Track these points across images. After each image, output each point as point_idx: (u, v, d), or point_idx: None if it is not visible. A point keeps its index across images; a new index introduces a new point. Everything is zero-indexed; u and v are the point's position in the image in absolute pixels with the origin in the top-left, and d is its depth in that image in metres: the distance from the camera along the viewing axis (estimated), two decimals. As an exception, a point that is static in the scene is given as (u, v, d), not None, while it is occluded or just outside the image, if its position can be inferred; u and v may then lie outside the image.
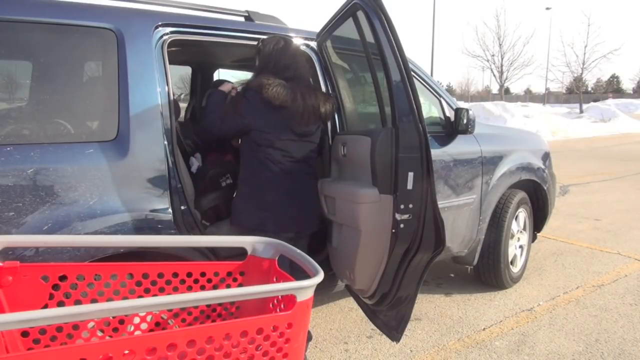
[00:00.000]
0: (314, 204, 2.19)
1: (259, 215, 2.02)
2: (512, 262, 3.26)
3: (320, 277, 1.19)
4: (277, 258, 1.47)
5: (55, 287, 1.36)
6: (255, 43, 2.13)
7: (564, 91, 47.10)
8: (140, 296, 1.39)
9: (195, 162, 2.53)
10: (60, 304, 1.35)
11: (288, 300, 1.18)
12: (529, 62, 30.17)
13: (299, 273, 1.36)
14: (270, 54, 2.05)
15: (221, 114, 2.04)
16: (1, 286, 1.30)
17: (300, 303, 1.15)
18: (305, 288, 1.15)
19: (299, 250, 1.38)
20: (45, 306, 1.35)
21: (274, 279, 1.45)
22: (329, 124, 2.31)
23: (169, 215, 1.78)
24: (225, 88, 2.19)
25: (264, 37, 2.12)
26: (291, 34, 2.31)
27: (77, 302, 1.37)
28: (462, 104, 3.08)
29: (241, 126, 2.02)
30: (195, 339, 1.03)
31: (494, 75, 31.14)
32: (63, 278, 1.36)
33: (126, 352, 0.97)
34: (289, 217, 2.05)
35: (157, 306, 1.02)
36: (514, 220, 3.18)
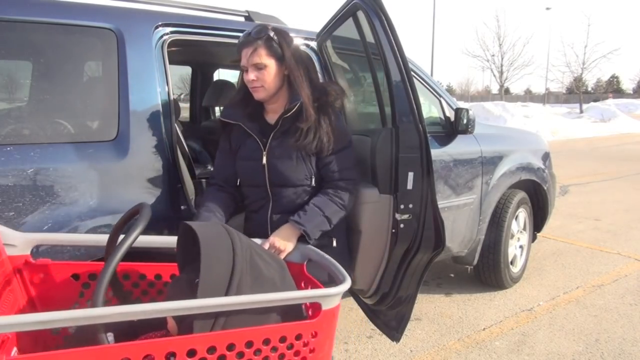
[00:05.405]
0: None
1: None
2: (512, 262, 3.26)
3: (347, 284, 1.13)
4: (305, 262, 1.42)
5: (86, 285, 1.37)
6: None
7: (564, 91, 47.13)
8: None
9: None
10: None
11: (314, 308, 1.13)
12: (529, 62, 30.29)
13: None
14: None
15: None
16: (32, 283, 1.31)
17: (325, 311, 1.09)
18: (331, 296, 1.10)
19: (327, 256, 1.34)
20: (76, 304, 1.36)
21: (302, 285, 1.39)
22: None
23: (169, 215, 1.78)
24: None
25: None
26: (291, 34, 2.30)
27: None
28: (462, 104, 3.07)
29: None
30: (216, 345, 1.00)
31: (494, 76, 31.21)
32: (93, 277, 1.37)
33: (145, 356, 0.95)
34: None
35: (178, 310, 1.00)
36: (514, 220, 3.18)
